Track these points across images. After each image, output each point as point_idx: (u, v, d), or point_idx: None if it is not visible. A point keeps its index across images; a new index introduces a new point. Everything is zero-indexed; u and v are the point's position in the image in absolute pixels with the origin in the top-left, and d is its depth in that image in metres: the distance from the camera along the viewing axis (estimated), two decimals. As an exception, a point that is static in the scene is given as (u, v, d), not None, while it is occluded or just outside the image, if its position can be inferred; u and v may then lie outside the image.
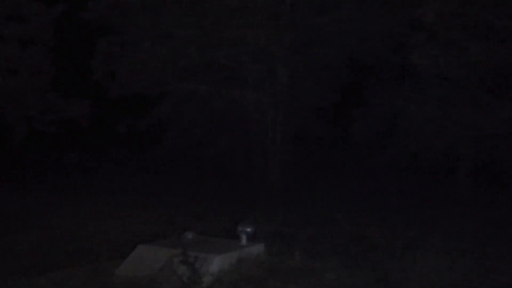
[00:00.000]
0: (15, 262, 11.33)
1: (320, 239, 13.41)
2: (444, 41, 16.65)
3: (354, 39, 23.25)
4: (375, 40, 23.26)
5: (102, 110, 28.82)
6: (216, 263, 9.67)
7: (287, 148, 25.56)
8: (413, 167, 25.14)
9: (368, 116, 24.18)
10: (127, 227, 14.86)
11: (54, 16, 23.17)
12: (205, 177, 26.80)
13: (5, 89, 22.76)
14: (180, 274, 9.32)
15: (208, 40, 23.02)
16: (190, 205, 18.75)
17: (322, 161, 30.04)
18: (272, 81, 24.50)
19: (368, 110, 24.22)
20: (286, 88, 24.58)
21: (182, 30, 22.89)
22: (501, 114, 16.73)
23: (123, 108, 29.24)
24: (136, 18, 24.26)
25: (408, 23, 20.06)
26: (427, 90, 17.77)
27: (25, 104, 22.99)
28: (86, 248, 12.35)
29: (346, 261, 10.86)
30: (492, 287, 9.73)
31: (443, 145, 18.84)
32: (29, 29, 22.91)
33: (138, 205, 18.67)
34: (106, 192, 21.94)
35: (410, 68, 19.60)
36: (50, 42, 23.36)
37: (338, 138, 28.40)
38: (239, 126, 26.77)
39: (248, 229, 10.74)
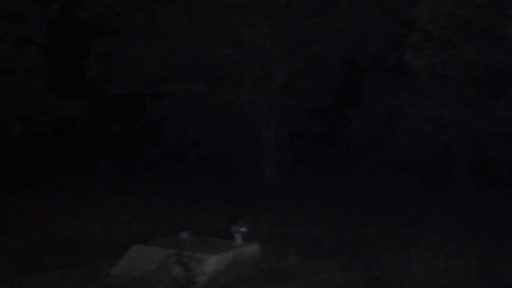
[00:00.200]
0: (10, 262, 11.32)
1: (315, 239, 13.42)
2: (440, 41, 16.65)
3: (349, 39, 23.24)
4: (371, 40, 23.24)
5: (98, 110, 28.76)
6: (211, 263, 9.66)
7: (283, 148, 25.56)
8: (409, 167, 25.14)
9: (364, 116, 24.20)
10: (122, 226, 14.84)
11: (49, 16, 23.15)
12: (200, 177, 26.78)
13: (-1, 89, 22.74)
14: (175, 274, 9.31)
15: (203, 40, 22.99)
16: (186, 205, 18.72)
17: (318, 160, 30.03)
18: (268, 81, 24.49)
19: (363, 110, 24.24)
20: (282, 88, 24.57)
21: (178, 30, 22.86)
22: (497, 113, 16.73)
23: (118, 108, 29.19)
24: (132, 18, 24.24)
25: (404, 23, 20.06)
26: (422, 90, 17.76)
27: (20, 104, 22.95)
28: (81, 248, 12.35)
29: (342, 261, 10.86)
30: (489, 287, 9.73)
31: (439, 145, 18.84)
32: (24, 29, 22.87)
33: (133, 204, 18.63)
34: (102, 192, 21.90)
35: (405, 68, 19.60)
36: (45, 42, 23.32)
37: (334, 137, 28.39)
38: (235, 126, 26.77)
39: (243, 229, 10.73)
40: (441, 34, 16.61)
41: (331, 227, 15.11)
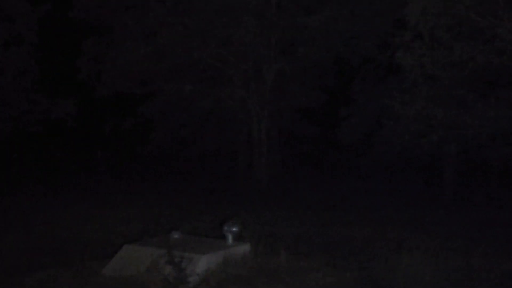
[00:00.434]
0: (1, 263, 11.28)
1: (306, 238, 13.44)
2: (430, 40, 16.69)
3: (339, 38, 23.31)
4: (361, 40, 23.32)
5: (88, 110, 28.74)
6: (202, 263, 9.66)
7: (274, 148, 25.62)
8: (399, 166, 25.22)
9: (354, 115, 24.25)
10: (114, 226, 14.82)
11: (40, 16, 23.08)
12: (191, 176, 26.78)
13: (-11, 89, 22.68)
14: (166, 274, 9.31)
15: (194, 40, 23.01)
16: (177, 205, 18.71)
17: (309, 160, 30.09)
18: (258, 80, 24.53)
19: (354, 110, 24.29)
20: (272, 88, 24.61)
21: (168, 30, 22.87)
22: (486, 113, 16.78)
23: (109, 108, 29.19)
24: (122, 18, 24.25)
25: (393, 22, 20.11)
26: (413, 90, 17.79)
27: (11, 104, 22.89)
28: (73, 248, 12.32)
29: (333, 260, 10.87)
30: (479, 286, 9.76)
31: (429, 145, 18.87)
32: (14, 29, 22.82)
33: (124, 204, 18.61)
34: (92, 191, 21.89)
35: (396, 68, 19.65)
36: (36, 42, 23.27)
37: (325, 137, 28.46)
38: (225, 125, 26.83)
39: (234, 229, 10.74)
40: (431, 34, 16.65)
41: (322, 226, 15.14)
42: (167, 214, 16.67)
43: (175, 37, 22.92)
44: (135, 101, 26.31)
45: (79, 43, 24.93)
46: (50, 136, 28.52)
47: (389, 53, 19.27)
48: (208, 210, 17.53)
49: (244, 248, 10.69)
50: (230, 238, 10.69)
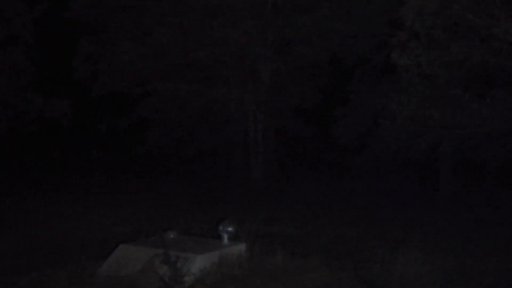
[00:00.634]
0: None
1: (302, 238, 13.44)
2: (426, 40, 16.68)
3: (336, 38, 23.28)
4: (357, 40, 23.30)
5: (84, 110, 28.71)
6: (198, 263, 9.65)
7: (270, 148, 25.60)
8: (395, 166, 25.22)
9: (350, 115, 24.23)
10: (109, 226, 14.82)
11: (35, 16, 23.02)
12: (187, 176, 26.78)
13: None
14: (161, 274, 9.29)
15: (190, 40, 22.99)
16: (172, 204, 18.71)
17: (304, 160, 30.09)
18: (254, 80, 24.52)
19: (350, 110, 24.27)
20: (268, 87, 24.60)
21: (165, 30, 22.85)
22: (482, 113, 16.77)
23: (105, 108, 29.15)
24: (118, 18, 24.25)
25: (390, 22, 20.11)
26: (408, 89, 17.78)
27: (6, 104, 22.84)
28: (68, 248, 12.31)
29: (329, 260, 10.86)
30: (475, 285, 9.76)
31: (425, 144, 18.86)
32: (10, 29, 22.75)
33: (119, 204, 18.61)
34: (88, 191, 21.87)
35: (392, 68, 19.64)
36: (32, 41, 23.21)
37: (321, 137, 28.45)
38: (221, 125, 26.80)
39: (230, 229, 10.73)
40: (427, 33, 16.64)
41: (318, 226, 15.14)
42: (162, 213, 16.67)
43: (171, 37, 22.90)
44: (131, 101, 26.29)
45: (75, 43, 24.91)
46: (45, 136, 28.48)
47: (385, 53, 19.26)
48: (204, 209, 17.53)
49: (240, 248, 10.68)
50: (225, 238, 10.68)
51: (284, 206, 18.85)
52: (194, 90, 24.21)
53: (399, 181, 24.84)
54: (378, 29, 21.93)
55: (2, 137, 23.91)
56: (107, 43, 24.62)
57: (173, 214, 16.71)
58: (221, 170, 27.94)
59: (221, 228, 10.74)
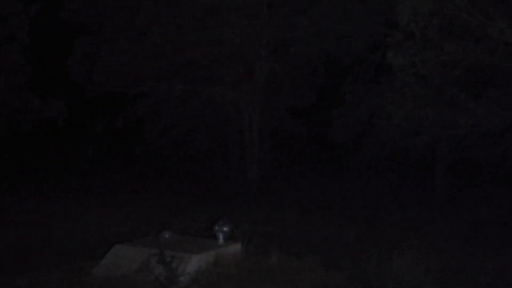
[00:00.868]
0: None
1: (297, 238, 13.46)
2: (421, 40, 16.69)
3: (331, 38, 23.27)
4: (353, 40, 23.29)
5: (80, 110, 28.67)
6: (193, 263, 9.65)
7: (265, 147, 25.59)
8: (391, 166, 25.23)
9: (346, 115, 24.22)
10: (104, 226, 14.82)
11: (31, 15, 22.99)
12: (183, 176, 26.76)
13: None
14: (157, 274, 9.30)
15: (185, 39, 22.98)
16: (168, 204, 18.71)
17: (300, 160, 30.07)
18: (250, 80, 24.52)
19: (346, 110, 24.25)
20: (264, 87, 24.60)
21: (160, 29, 22.83)
22: (478, 112, 16.79)
23: (100, 108, 29.11)
24: (113, 17, 24.22)
25: (385, 22, 20.11)
26: (404, 89, 17.78)
27: (2, 103, 22.81)
28: (63, 248, 12.31)
29: (324, 260, 10.87)
30: (470, 285, 9.78)
31: (421, 144, 18.89)
32: (5, 28, 22.72)
33: (115, 204, 18.61)
34: (84, 191, 21.85)
35: (387, 68, 19.64)
36: (27, 41, 23.17)
37: (316, 137, 28.45)
38: (216, 125, 26.79)
39: (225, 228, 10.73)
40: (423, 33, 16.65)
41: (313, 226, 15.16)
42: (158, 213, 16.67)
43: (167, 37, 22.87)
44: (126, 101, 26.25)
45: (71, 43, 24.88)
46: (41, 136, 28.42)
47: (381, 53, 19.26)
48: (200, 209, 17.53)
49: (235, 248, 10.68)
50: (221, 238, 10.69)
51: (280, 206, 18.86)
52: (190, 90, 24.20)
53: (395, 181, 24.83)
54: (373, 29, 21.93)
55: (-3, 137, 23.90)
56: (103, 43, 24.59)
57: (169, 213, 16.72)
58: (217, 170, 27.91)
59: (217, 228, 10.74)
